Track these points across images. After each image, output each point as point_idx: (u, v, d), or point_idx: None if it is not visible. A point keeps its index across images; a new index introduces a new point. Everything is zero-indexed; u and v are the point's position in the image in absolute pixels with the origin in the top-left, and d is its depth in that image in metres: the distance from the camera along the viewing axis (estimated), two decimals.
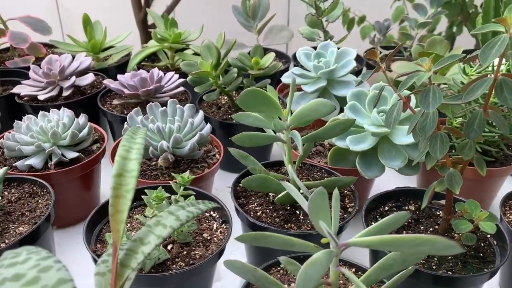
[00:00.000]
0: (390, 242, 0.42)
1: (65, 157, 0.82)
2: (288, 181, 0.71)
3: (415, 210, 0.75)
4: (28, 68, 1.12)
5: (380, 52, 1.27)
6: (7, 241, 0.66)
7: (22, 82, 1.06)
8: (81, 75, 1.09)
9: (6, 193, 0.76)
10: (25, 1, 1.46)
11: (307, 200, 0.53)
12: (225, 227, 0.71)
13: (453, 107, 0.80)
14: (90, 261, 0.64)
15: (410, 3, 1.42)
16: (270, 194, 0.75)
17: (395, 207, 0.76)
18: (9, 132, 0.86)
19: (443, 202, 0.70)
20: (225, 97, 1.09)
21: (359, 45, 1.26)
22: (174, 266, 0.62)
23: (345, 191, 0.78)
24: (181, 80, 1.04)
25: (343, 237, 0.72)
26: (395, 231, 0.70)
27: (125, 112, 1.00)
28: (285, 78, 0.99)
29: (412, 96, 0.75)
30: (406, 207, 0.75)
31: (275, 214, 0.72)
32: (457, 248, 0.39)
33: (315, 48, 0.99)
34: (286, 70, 1.28)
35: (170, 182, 0.70)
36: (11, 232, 0.68)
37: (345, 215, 0.72)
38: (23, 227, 0.68)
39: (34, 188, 0.77)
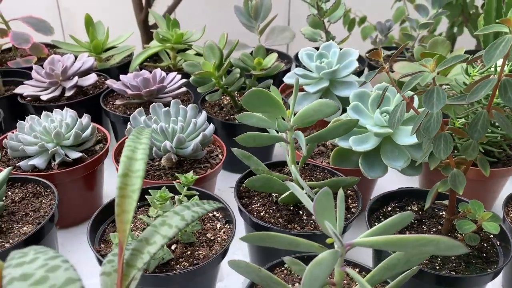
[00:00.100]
0: (395, 242, 0.42)
1: (68, 157, 0.82)
2: (291, 182, 0.71)
3: (418, 210, 0.75)
4: (30, 68, 1.12)
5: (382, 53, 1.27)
6: (11, 241, 0.66)
7: (24, 82, 1.06)
8: (84, 75, 1.09)
9: (9, 193, 0.76)
10: (26, 2, 1.46)
11: (311, 200, 0.54)
12: (228, 227, 0.71)
13: (456, 107, 0.80)
14: (94, 261, 0.64)
15: (411, 4, 1.42)
16: (273, 194, 0.76)
17: (398, 207, 0.76)
18: (12, 132, 0.86)
19: (446, 202, 0.70)
20: (227, 98, 1.09)
21: (360, 45, 1.26)
22: (178, 266, 0.62)
23: (348, 192, 0.78)
24: (184, 80, 1.05)
25: (346, 238, 0.72)
26: (398, 232, 0.70)
27: (128, 113, 1.01)
28: (288, 79, 0.99)
29: (415, 97, 0.76)
30: (409, 208, 0.76)
31: (278, 214, 0.72)
32: (462, 248, 0.39)
33: (317, 48, 0.99)
34: (288, 70, 1.28)
35: (174, 182, 0.70)
36: (15, 232, 0.68)
37: (348, 216, 0.72)
38: (27, 227, 0.69)
39: (38, 188, 0.77)
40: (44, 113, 0.86)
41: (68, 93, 1.03)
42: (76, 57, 1.10)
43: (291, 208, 0.73)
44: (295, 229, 0.69)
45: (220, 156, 0.89)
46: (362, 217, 0.72)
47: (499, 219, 0.63)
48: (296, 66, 1.31)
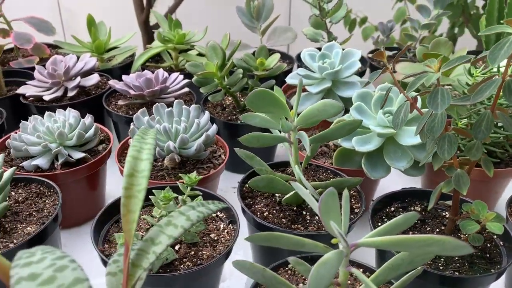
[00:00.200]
0: (400, 242, 0.42)
1: (72, 158, 0.82)
2: (295, 182, 0.71)
3: (421, 210, 0.75)
4: (32, 69, 1.12)
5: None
6: (15, 241, 0.66)
7: (27, 82, 1.06)
8: (86, 75, 1.09)
9: (13, 193, 0.76)
10: (26, 2, 1.46)
11: (316, 200, 0.54)
12: (232, 227, 0.71)
13: (459, 108, 0.80)
14: (98, 261, 0.64)
15: (411, 4, 1.42)
16: (276, 194, 0.76)
17: (401, 208, 0.76)
18: (15, 133, 0.86)
19: (449, 203, 0.70)
20: (230, 98, 1.09)
21: (360, 46, 1.27)
22: (182, 266, 0.62)
23: (351, 192, 0.78)
24: (186, 80, 1.05)
25: (349, 238, 0.72)
26: (401, 232, 0.70)
27: (130, 113, 1.01)
28: (290, 79, 1.00)
29: (418, 97, 0.76)
30: (412, 208, 0.76)
31: (281, 214, 0.72)
32: (467, 249, 0.39)
33: (319, 49, 0.99)
34: (290, 71, 1.28)
35: (177, 182, 0.70)
36: (19, 232, 0.68)
37: (352, 216, 0.72)
38: (31, 227, 0.69)
39: (41, 188, 0.77)
40: (47, 113, 0.87)
41: (70, 93, 1.03)
42: (78, 58, 1.10)
43: (295, 208, 0.73)
44: (299, 229, 0.69)
45: (223, 156, 0.89)
46: (364, 217, 0.72)
47: (503, 220, 0.63)
48: (298, 67, 1.31)
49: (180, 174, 0.73)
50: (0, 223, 0.69)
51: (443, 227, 0.71)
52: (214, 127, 0.86)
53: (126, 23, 1.40)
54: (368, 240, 0.44)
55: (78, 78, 1.04)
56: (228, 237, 0.69)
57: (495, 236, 0.69)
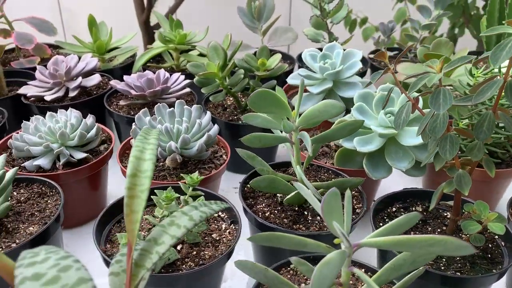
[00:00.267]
0: (403, 242, 0.42)
1: (73, 158, 0.82)
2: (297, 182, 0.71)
3: (422, 211, 0.75)
4: (33, 69, 1.13)
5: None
6: (17, 241, 0.66)
7: (28, 82, 1.07)
8: (87, 76, 1.09)
9: (15, 193, 0.76)
10: (26, 2, 1.46)
11: (318, 201, 0.54)
12: (233, 227, 0.71)
13: (460, 108, 0.80)
14: (100, 261, 0.64)
15: (411, 5, 1.42)
16: (277, 195, 0.76)
17: (402, 208, 0.76)
18: (17, 133, 0.86)
19: (450, 203, 0.70)
20: (231, 98, 1.09)
21: (361, 46, 1.27)
22: (184, 266, 0.63)
23: (353, 192, 0.78)
24: (188, 81, 1.05)
25: (350, 238, 0.72)
26: (403, 232, 0.70)
27: (132, 113, 1.01)
28: (291, 80, 1.00)
29: (419, 98, 0.76)
30: (414, 208, 0.76)
31: (283, 215, 0.72)
32: (470, 249, 0.39)
33: (320, 49, 0.99)
34: (291, 71, 1.28)
35: (179, 182, 0.70)
36: (21, 232, 0.68)
37: (353, 216, 0.72)
38: (33, 227, 0.69)
39: (43, 188, 0.77)
40: (48, 113, 0.87)
41: (71, 94, 1.03)
42: (79, 58, 1.10)
43: (296, 208, 0.73)
44: (300, 229, 0.69)
45: (224, 156, 0.89)
46: (365, 217, 0.73)
47: (505, 220, 0.63)
48: (299, 67, 1.31)
49: (182, 175, 0.73)
50: (2, 223, 0.70)
51: (444, 228, 0.71)
52: (216, 127, 0.86)
53: (126, 23, 1.40)
54: (371, 240, 0.44)
55: (80, 79, 1.05)
56: (230, 237, 0.69)
57: (496, 237, 0.69)
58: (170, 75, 1.05)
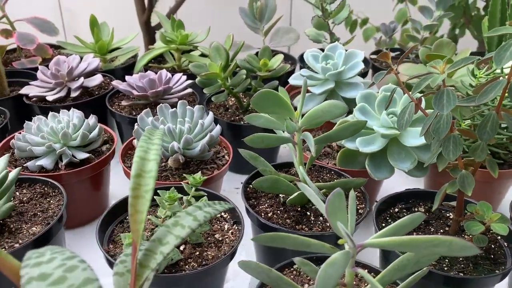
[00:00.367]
0: (408, 243, 0.42)
1: (76, 158, 0.82)
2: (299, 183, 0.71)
3: (425, 211, 0.75)
4: (34, 69, 1.13)
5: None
6: (20, 241, 0.66)
7: (30, 83, 1.07)
8: (89, 76, 1.09)
9: (17, 193, 0.76)
10: (27, 2, 1.46)
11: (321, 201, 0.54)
12: (236, 228, 0.71)
13: (462, 109, 0.80)
14: (102, 261, 0.64)
15: (412, 5, 1.43)
16: (280, 195, 0.76)
17: (405, 208, 0.76)
18: (19, 133, 0.86)
19: (453, 203, 0.70)
20: (233, 99, 1.09)
21: (361, 47, 1.27)
22: (187, 266, 0.63)
23: (355, 193, 0.78)
24: (190, 81, 1.05)
25: (353, 239, 0.72)
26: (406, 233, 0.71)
27: (134, 113, 1.01)
28: (293, 80, 1.00)
29: (422, 98, 0.76)
30: (416, 209, 0.76)
31: (286, 215, 0.72)
32: (474, 249, 0.39)
33: (321, 50, 0.99)
34: (292, 72, 1.28)
35: (182, 183, 0.70)
36: (24, 232, 0.68)
37: (356, 217, 0.72)
38: (36, 228, 0.69)
39: (46, 188, 0.77)
40: (51, 113, 0.87)
41: (73, 94, 1.03)
42: (81, 58, 1.10)
43: (299, 209, 0.73)
44: (303, 230, 0.69)
45: (226, 157, 0.89)
46: (366, 218, 0.73)
47: (508, 221, 0.63)
48: (301, 68, 1.31)
49: (184, 175, 0.73)
50: (5, 224, 0.70)
51: (447, 228, 0.71)
52: (218, 127, 0.87)
53: (126, 23, 1.40)
54: (375, 240, 0.44)
55: (82, 79, 1.05)
56: (232, 238, 0.69)
57: (499, 237, 0.69)
58: (172, 75, 1.05)
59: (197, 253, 0.65)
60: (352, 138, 0.79)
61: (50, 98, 1.02)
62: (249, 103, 1.04)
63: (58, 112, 0.88)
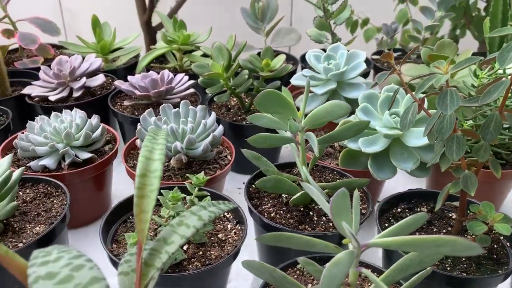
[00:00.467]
0: (411, 242, 0.42)
1: (78, 158, 0.82)
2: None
3: (427, 211, 0.75)
4: (36, 69, 1.13)
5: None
6: (24, 240, 0.66)
7: (32, 83, 1.07)
8: (91, 76, 1.09)
9: (21, 193, 0.76)
10: (27, 2, 1.47)
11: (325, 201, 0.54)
12: (239, 227, 0.71)
13: (464, 109, 0.80)
14: (106, 261, 0.64)
15: (413, 6, 1.43)
16: (283, 195, 0.76)
17: (407, 209, 0.76)
18: (22, 133, 0.86)
19: (455, 204, 0.70)
20: (235, 99, 1.10)
21: (362, 47, 1.27)
22: (190, 266, 0.63)
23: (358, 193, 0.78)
24: (192, 81, 1.05)
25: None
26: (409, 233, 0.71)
27: (136, 113, 1.01)
28: (295, 80, 1.00)
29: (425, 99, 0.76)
30: (419, 209, 0.76)
31: (289, 215, 0.72)
32: (478, 249, 0.39)
33: (324, 50, 0.99)
34: (294, 72, 1.28)
35: (185, 182, 0.70)
36: (28, 232, 0.68)
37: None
38: (39, 227, 0.69)
39: (49, 188, 0.77)
40: (53, 113, 0.87)
41: (76, 94, 1.03)
42: (83, 58, 1.11)
43: (302, 209, 0.74)
44: (306, 230, 0.69)
45: (229, 157, 0.89)
46: (369, 218, 0.73)
47: (511, 221, 0.63)
48: (302, 68, 1.31)
49: (187, 175, 0.73)
50: (9, 223, 0.70)
51: (449, 228, 0.72)
52: (221, 127, 0.87)
53: (126, 23, 1.40)
54: (379, 240, 0.44)
55: (84, 79, 1.05)
56: (235, 238, 0.69)
57: (501, 237, 0.69)
58: (174, 75, 1.05)
59: (201, 252, 0.65)
60: (355, 138, 0.79)
61: (52, 98, 1.02)
62: (251, 103, 1.04)
63: (61, 112, 0.88)
